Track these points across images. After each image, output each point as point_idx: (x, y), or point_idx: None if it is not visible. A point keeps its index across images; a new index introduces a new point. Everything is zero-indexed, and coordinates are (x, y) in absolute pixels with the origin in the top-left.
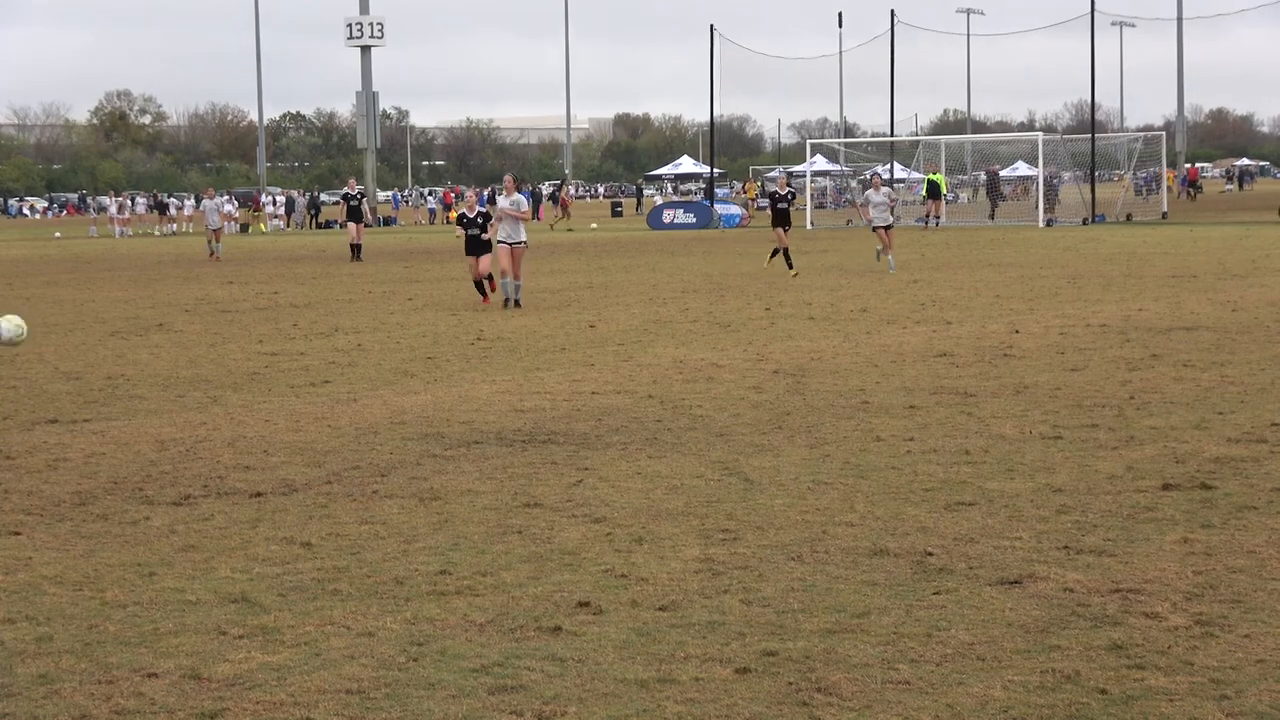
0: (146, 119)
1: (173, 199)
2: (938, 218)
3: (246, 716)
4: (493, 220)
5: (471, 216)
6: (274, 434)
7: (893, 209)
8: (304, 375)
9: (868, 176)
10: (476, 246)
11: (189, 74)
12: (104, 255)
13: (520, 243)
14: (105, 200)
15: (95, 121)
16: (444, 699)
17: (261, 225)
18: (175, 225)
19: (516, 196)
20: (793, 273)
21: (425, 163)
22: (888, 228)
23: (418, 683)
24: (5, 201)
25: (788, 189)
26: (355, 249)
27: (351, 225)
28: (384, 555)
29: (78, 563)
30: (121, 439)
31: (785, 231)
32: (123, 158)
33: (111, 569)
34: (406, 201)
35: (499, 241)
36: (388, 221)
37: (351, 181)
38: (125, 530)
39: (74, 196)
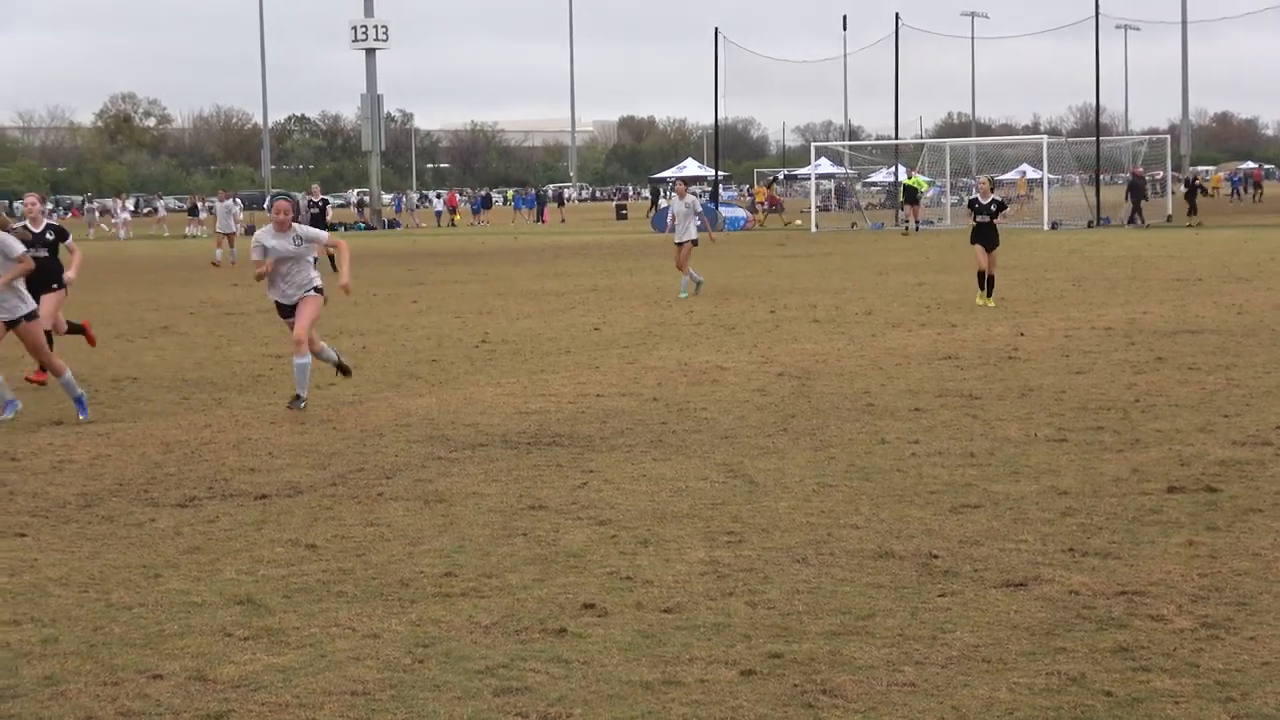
0: (151, 122)
1: (203, 201)
2: (917, 222)
3: (252, 718)
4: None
5: None
6: (279, 436)
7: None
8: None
9: (890, 178)
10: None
11: (193, 77)
12: (108, 258)
13: (690, 241)
14: (109, 202)
15: (100, 124)
16: (449, 701)
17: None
18: (205, 228)
19: (690, 198)
20: (990, 302)
21: (430, 165)
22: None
23: (423, 684)
24: (10, 204)
25: (992, 198)
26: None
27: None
28: (389, 557)
29: (83, 564)
30: (127, 441)
31: (989, 251)
32: (127, 160)
33: (117, 571)
34: (419, 204)
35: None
36: (391, 225)
37: (315, 188)
38: (131, 532)
39: (78, 199)
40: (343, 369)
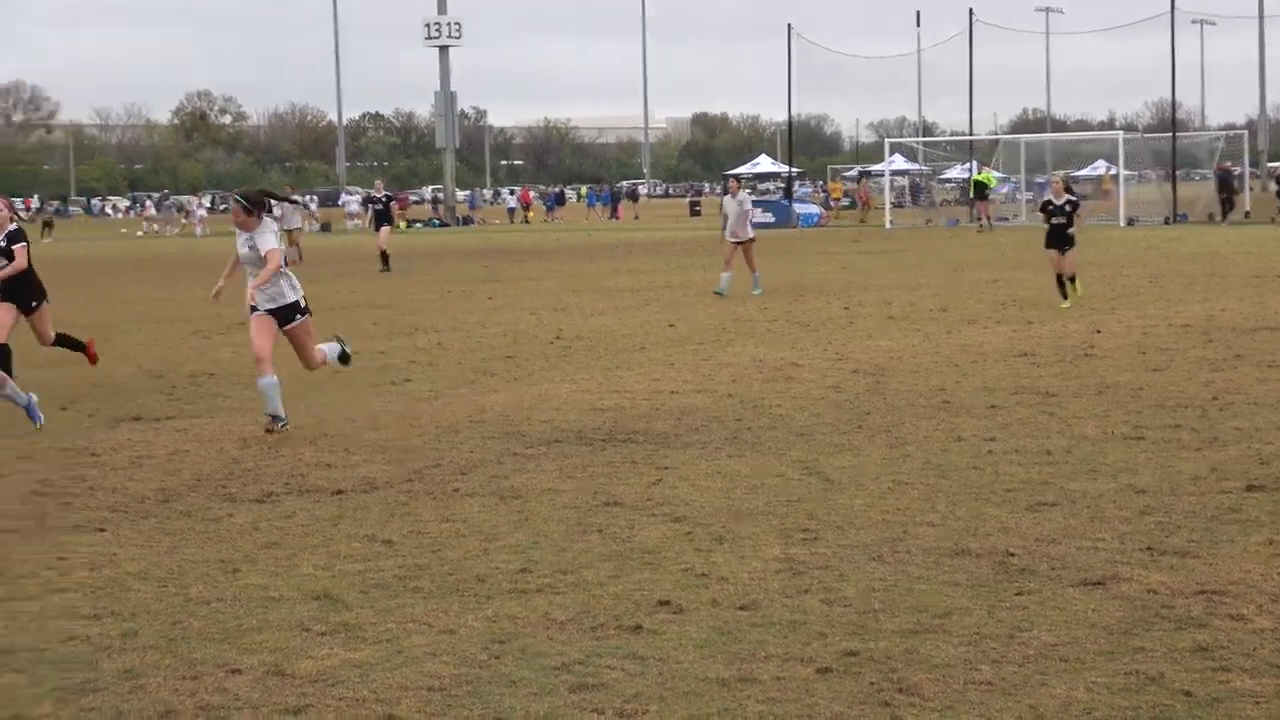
0: (227, 119)
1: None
2: (989, 218)
3: (329, 713)
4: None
5: None
6: (355, 432)
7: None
8: (384, 374)
9: (972, 173)
10: None
11: (269, 74)
12: (185, 255)
13: (749, 239)
14: (186, 199)
15: (176, 122)
16: (525, 696)
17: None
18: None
19: (741, 195)
20: (1065, 303)
21: (504, 162)
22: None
23: (499, 680)
24: (88, 201)
25: (1066, 198)
26: (384, 256)
27: (382, 230)
28: (465, 553)
29: (162, 559)
30: (204, 436)
31: (1063, 254)
32: (203, 158)
33: (195, 565)
34: (492, 200)
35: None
36: (466, 221)
37: (379, 184)
38: (208, 527)
39: (155, 195)
40: (345, 358)
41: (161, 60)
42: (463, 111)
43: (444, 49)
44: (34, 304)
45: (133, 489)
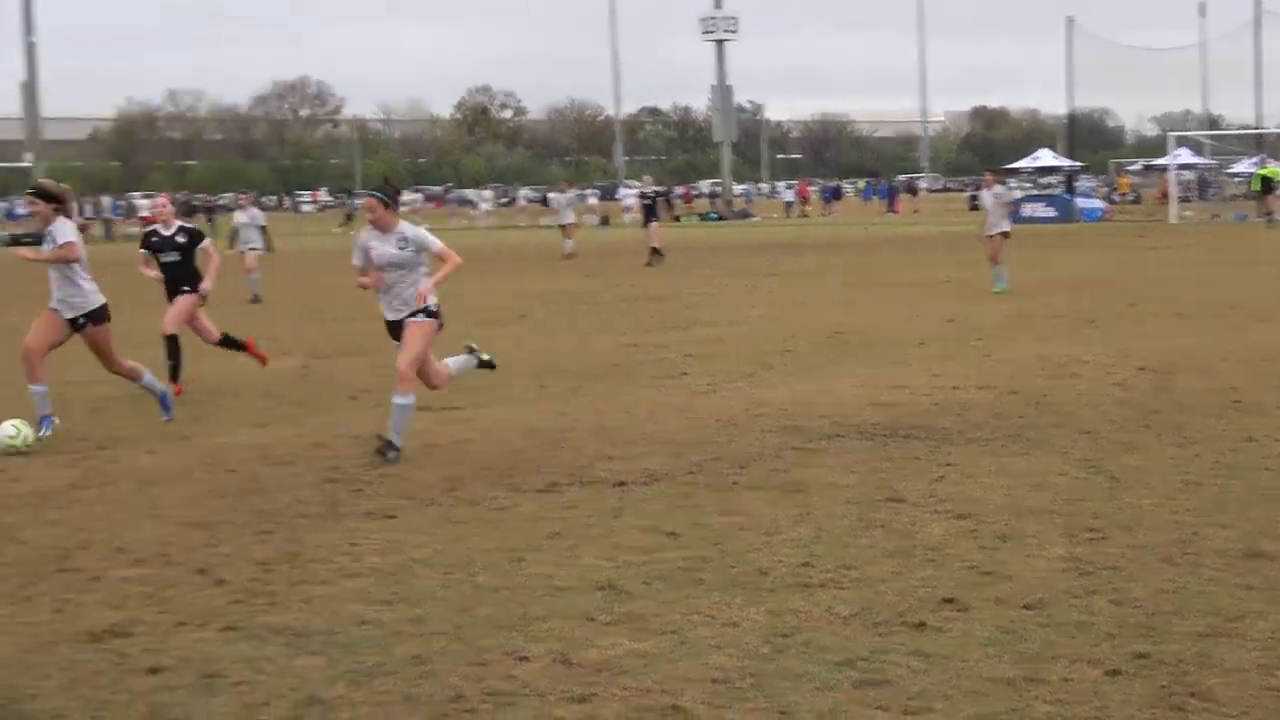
0: (507, 114)
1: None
2: (1270, 214)
3: (615, 702)
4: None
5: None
6: (635, 424)
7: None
8: (663, 367)
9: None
10: None
11: (548, 69)
12: (468, 247)
13: (1001, 233)
14: (468, 193)
15: (458, 116)
16: (809, 691)
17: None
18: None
19: (998, 189)
20: None
21: (780, 156)
22: None
23: (782, 674)
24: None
25: None
26: (655, 252)
27: (651, 225)
28: (747, 546)
29: (449, 547)
30: (488, 427)
31: None
32: (485, 152)
33: (482, 553)
34: (771, 193)
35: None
36: (743, 215)
37: (647, 180)
38: (493, 516)
39: (438, 189)
40: (486, 364)
41: (442, 56)
42: (739, 105)
43: (720, 43)
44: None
45: (419, 477)
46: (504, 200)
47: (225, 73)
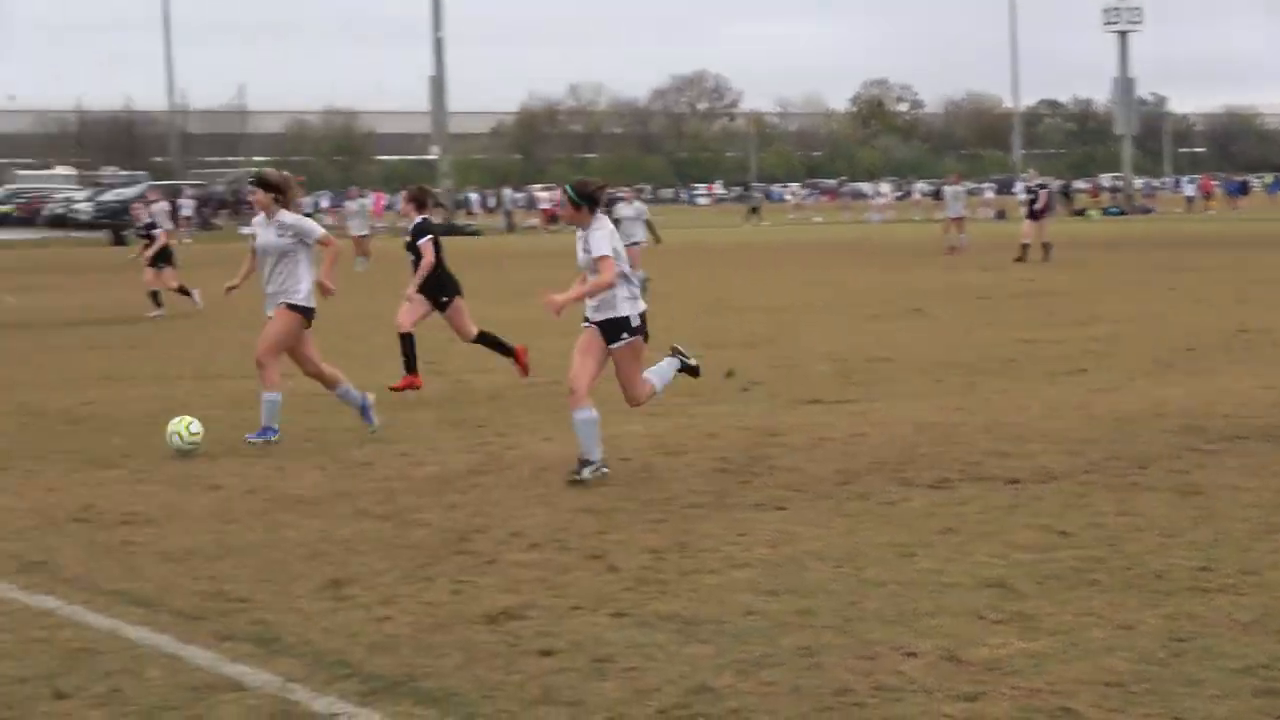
0: (903, 107)
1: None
2: None
3: (1004, 701)
4: None
5: None
6: (1029, 421)
7: None
8: (1060, 363)
9: None
10: None
11: (944, 62)
12: (858, 240)
13: None
14: (863, 186)
15: (853, 110)
16: (1207, 699)
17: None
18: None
19: None
20: None
21: (1183, 150)
22: None
23: (1179, 680)
24: (768, 188)
25: None
26: (1044, 247)
27: (1026, 223)
28: (1143, 548)
29: (838, 540)
30: (881, 420)
31: None
32: (880, 145)
33: (871, 548)
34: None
35: None
36: (1144, 210)
37: (1032, 172)
38: (884, 510)
39: (832, 183)
40: (690, 370)
41: (839, 49)
42: (1141, 98)
43: (1123, 34)
44: (445, 300)
45: (811, 470)
46: (899, 194)
47: (624, 67)
